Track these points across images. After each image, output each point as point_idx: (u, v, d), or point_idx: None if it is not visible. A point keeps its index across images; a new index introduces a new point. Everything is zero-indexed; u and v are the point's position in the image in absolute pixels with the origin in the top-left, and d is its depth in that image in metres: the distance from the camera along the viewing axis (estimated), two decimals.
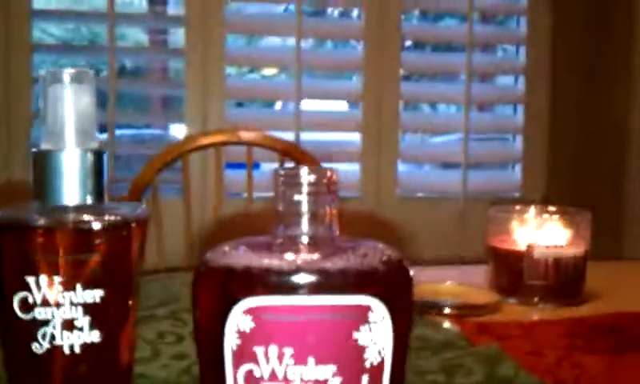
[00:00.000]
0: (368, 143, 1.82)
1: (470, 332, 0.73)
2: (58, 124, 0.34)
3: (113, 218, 0.34)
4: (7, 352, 0.34)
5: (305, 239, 0.33)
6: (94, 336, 0.33)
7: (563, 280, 0.87)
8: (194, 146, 1.41)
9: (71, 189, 0.34)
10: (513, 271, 0.88)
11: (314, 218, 0.33)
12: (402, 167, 1.89)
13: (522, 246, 0.87)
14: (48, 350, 0.33)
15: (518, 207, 0.94)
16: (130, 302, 0.36)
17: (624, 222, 1.85)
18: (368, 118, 1.82)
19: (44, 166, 0.34)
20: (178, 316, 0.75)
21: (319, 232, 0.33)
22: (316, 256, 0.32)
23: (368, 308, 0.31)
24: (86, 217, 0.33)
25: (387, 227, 1.70)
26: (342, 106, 2.25)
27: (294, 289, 0.31)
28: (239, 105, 2.02)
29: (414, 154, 1.97)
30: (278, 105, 2.75)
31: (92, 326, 0.33)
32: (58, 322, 0.33)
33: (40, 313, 0.33)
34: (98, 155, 0.35)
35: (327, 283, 0.31)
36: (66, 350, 0.33)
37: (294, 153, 1.42)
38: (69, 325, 0.33)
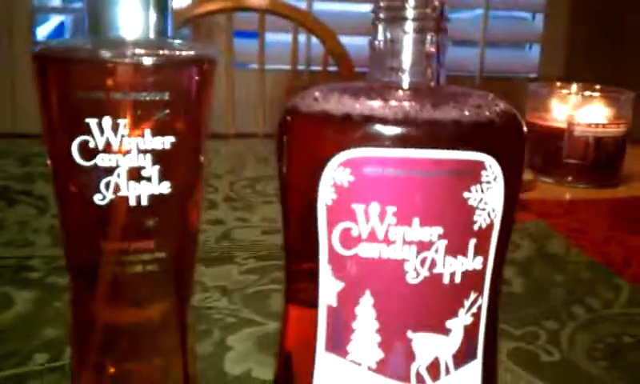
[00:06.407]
0: None
1: None
2: None
3: (184, 53, 0.30)
4: (64, 205, 0.30)
5: (408, 85, 0.29)
6: (164, 187, 0.29)
7: (602, 160, 0.83)
8: (201, 12, 1.33)
9: (132, 21, 0.29)
10: (550, 149, 0.84)
11: (420, 59, 0.29)
12: None
13: (561, 124, 0.84)
14: (112, 202, 0.29)
15: (559, 84, 0.89)
16: (202, 157, 0.31)
17: None
18: None
19: None
20: (209, 182, 0.71)
21: (425, 77, 0.29)
22: (424, 104, 0.27)
23: (481, 166, 0.27)
24: (153, 52, 0.29)
25: None
26: None
27: (399, 140, 0.27)
28: None
29: None
30: None
31: (162, 177, 0.29)
32: (123, 171, 0.29)
33: (103, 160, 0.29)
34: None
35: (438, 135, 0.27)
36: (132, 202, 0.29)
37: (307, 22, 1.35)
38: (135, 174, 0.29)
